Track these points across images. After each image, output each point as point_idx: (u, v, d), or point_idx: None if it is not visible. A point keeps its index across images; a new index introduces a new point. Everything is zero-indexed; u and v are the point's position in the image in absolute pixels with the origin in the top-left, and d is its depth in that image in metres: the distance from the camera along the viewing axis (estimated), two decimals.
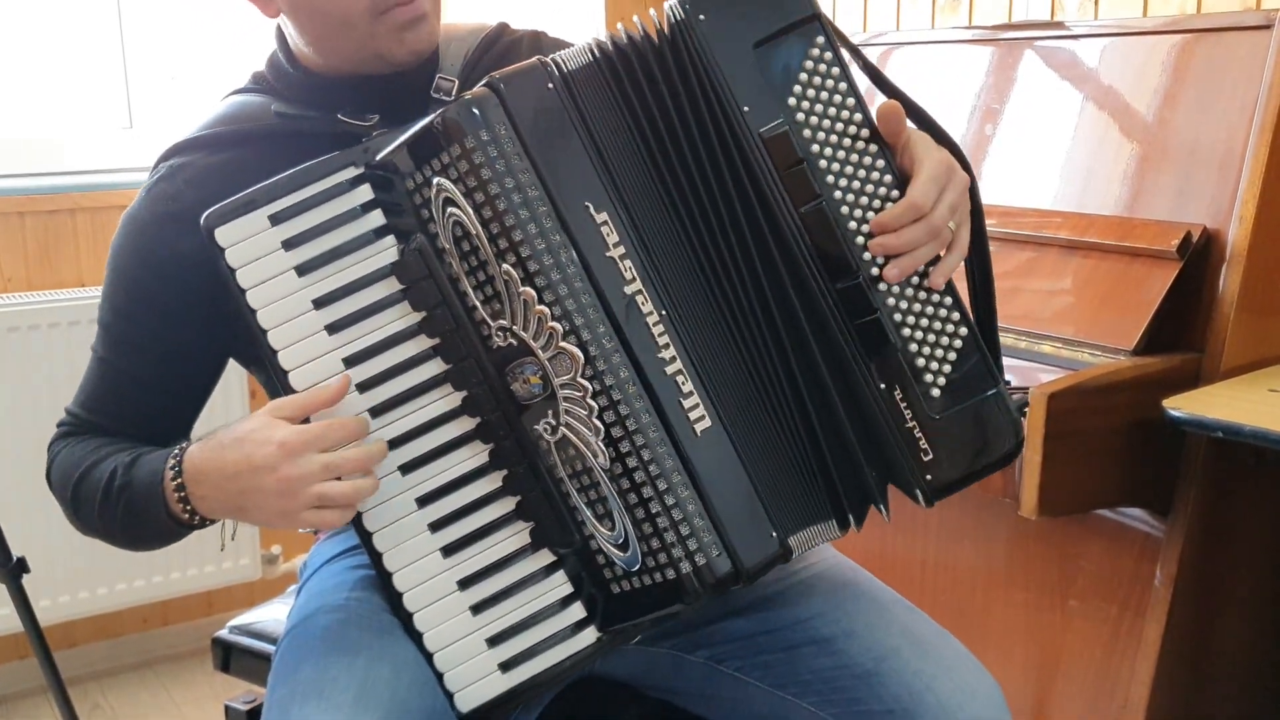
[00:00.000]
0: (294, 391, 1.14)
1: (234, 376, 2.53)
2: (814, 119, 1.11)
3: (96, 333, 1.30)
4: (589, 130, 1.10)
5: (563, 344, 1.08)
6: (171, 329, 1.26)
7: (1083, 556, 1.80)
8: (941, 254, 1.13)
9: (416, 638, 1.15)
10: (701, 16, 1.10)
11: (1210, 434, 1.51)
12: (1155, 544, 1.70)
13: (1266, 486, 1.74)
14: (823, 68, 1.11)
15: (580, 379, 1.08)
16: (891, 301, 1.12)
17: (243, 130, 1.29)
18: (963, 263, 1.18)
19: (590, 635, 1.16)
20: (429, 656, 1.15)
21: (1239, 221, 1.62)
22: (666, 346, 1.09)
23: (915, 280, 1.13)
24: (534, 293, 1.07)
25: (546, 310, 1.07)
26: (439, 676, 1.15)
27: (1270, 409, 1.49)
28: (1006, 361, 1.77)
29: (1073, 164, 1.85)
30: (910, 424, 1.12)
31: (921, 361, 1.12)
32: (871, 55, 2.24)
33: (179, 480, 1.15)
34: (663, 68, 1.12)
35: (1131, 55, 1.83)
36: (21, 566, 1.98)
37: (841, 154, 1.11)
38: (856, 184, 1.11)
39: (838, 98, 1.11)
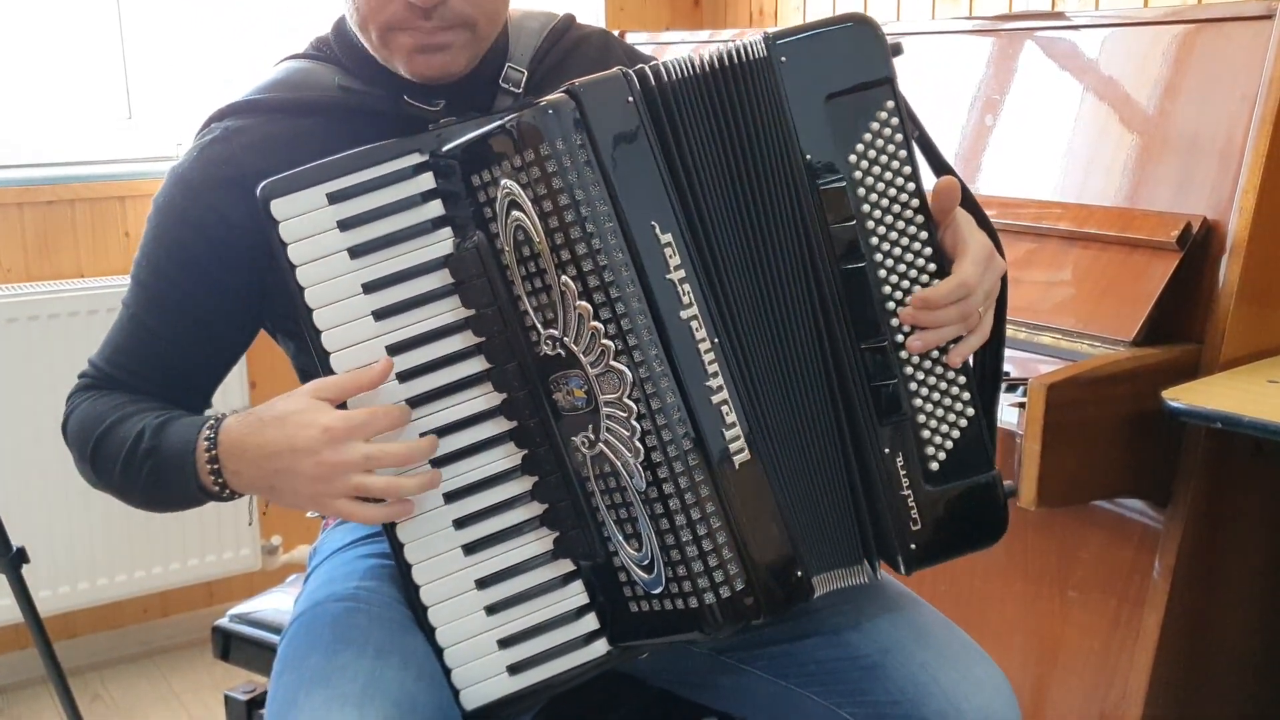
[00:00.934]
0: (333, 373, 1.13)
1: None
2: (870, 180, 1.12)
3: (130, 288, 1.28)
4: (664, 148, 1.08)
5: (613, 362, 1.07)
6: (210, 295, 1.25)
7: (1082, 547, 1.80)
8: (964, 334, 1.15)
9: (429, 631, 1.15)
10: (783, 59, 1.10)
11: (1209, 425, 1.51)
12: (1154, 535, 1.70)
13: (1265, 477, 1.74)
14: (887, 132, 1.11)
15: (626, 399, 1.07)
16: (909, 371, 1.14)
17: (304, 99, 1.27)
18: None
19: (601, 648, 1.16)
20: (439, 651, 1.15)
21: (1239, 212, 1.61)
22: (715, 375, 1.08)
23: (934, 354, 1.14)
24: (590, 308, 1.06)
25: (601, 326, 1.06)
26: (447, 672, 1.15)
27: (1269, 400, 1.49)
28: (1006, 352, 1.77)
29: (1073, 155, 1.85)
30: (905, 492, 1.14)
31: (926, 434, 1.15)
32: None
33: (214, 453, 1.14)
34: (735, 100, 1.11)
35: (1132, 45, 1.82)
36: (21, 557, 1.98)
37: (890, 219, 1.12)
38: (898, 251, 1.12)
39: (895, 164, 1.12)
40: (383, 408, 1.10)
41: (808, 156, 1.11)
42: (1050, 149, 1.89)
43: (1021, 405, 1.58)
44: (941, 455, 1.15)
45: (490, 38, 1.25)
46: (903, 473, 1.14)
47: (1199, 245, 1.64)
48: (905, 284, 1.13)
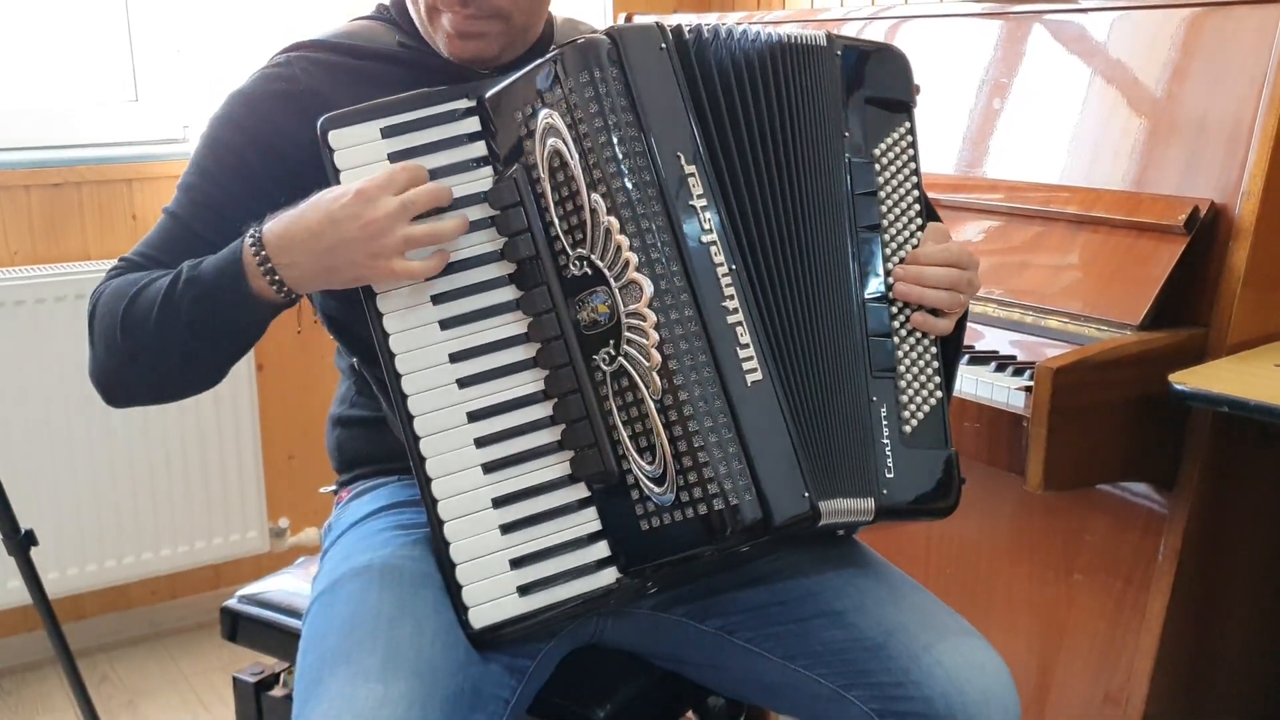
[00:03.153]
0: (377, 305, 1.19)
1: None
2: (888, 173, 1.29)
3: (174, 196, 1.31)
4: (692, 93, 1.18)
5: (636, 274, 1.13)
6: (253, 199, 1.27)
7: (1087, 531, 1.80)
8: (943, 311, 1.28)
9: (443, 547, 1.17)
10: (838, 53, 1.28)
11: (1216, 409, 1.51)
12: (1159, 518, 1.70)
13: (1271, 461, 1.74)
14: (904, 143, 1.31)
15: (647, 309, 1.13)
16: (897, 340, 1.27)
17: (364, 47, 1.35)
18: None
19: (610, 575, 1.18)
20: (451, 567, 1.17)
21: (1246, 196, 1.61)
22: (731, 298, 1.15)
23: (918, 335, 1.27)
24: (617, 222, 1.13)
25: (626, 240, 1.13)
26: (458, 589, 1.16)
27: (1276, 384, 1.49)
28: (1013, 336, 1.78)
29: (1081, 138, 1.85)
30: (885, 440, 1.24)
31: (904, 399, 1.26)
32: (880, 29, 2.24)
33: (263, 254, 1.17)
34: (791, 69, 1.24)
35: (1141, 29, 1.82)
36: (30, 539, 1.98)
37: (898, 210, 1.29)
38: (901, 238, 1.29)
39: (907, 170, 1.30)
40: (402, 165, 1.17)
41: (846, 134, 1.27)
42: (1058, 132, 1.88)
43: (1028, 389, 1.58)
44: (914, 422, 1.25)
45: (526, 30, 1.34)
46: (884, 423, 1.23)
47: (1206, 229, 1.64)
48: (899, 259, 1.28)
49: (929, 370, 1.27)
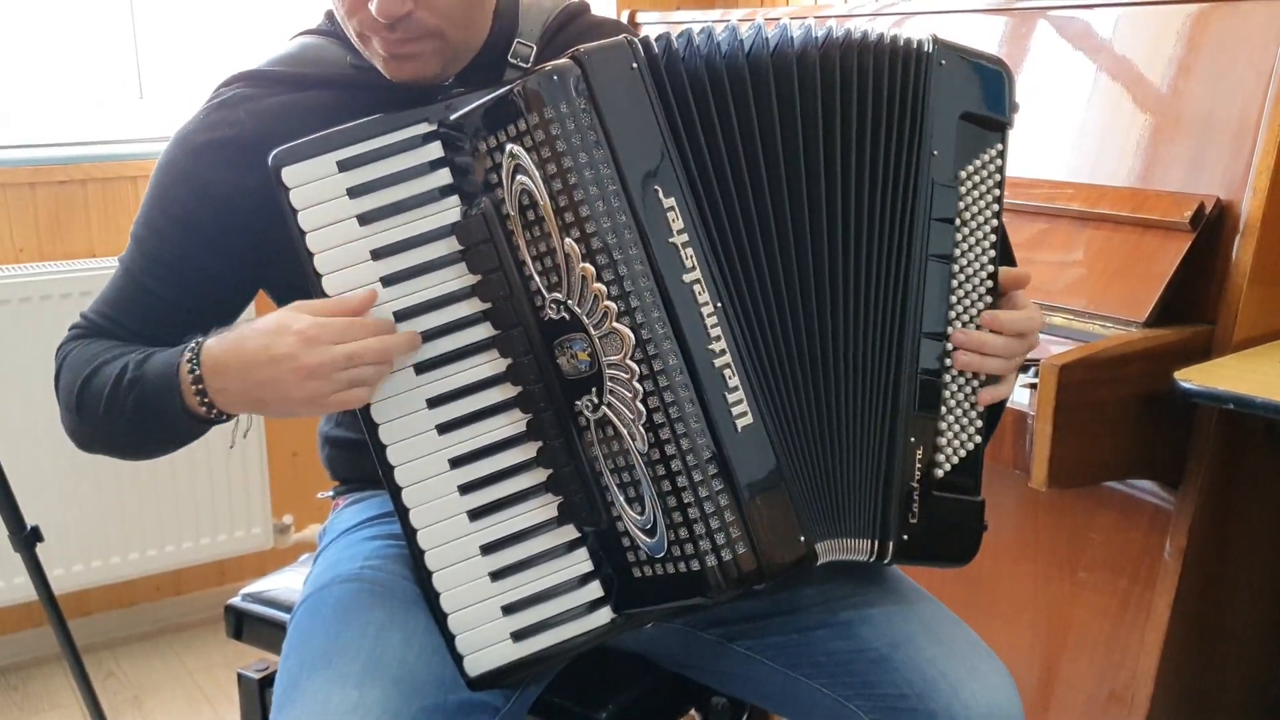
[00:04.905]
0: None
1: None
2: (969, 199, 1.21)
3: (128, 247, 1.29)
4: (667, 114, 1.10)
5: (616, 324, 1.08)
6: (205, 253, 1.25)
7: (1092, 528, 1.80)
8: (1002, 376, 1.23)
9: (433, 597, 1.15)
10: (943, 62, 1.20)
11: (1221, 406, 1.50)
12: (1165, 516, 1.70)
13: (1277, 458, 1.73)
14: (992, 166, 1.23)
15: (629, 360, 1.08)
16: (948, 378, 1.21)
17: (314, 74, 1.28)
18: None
19: (604, 615, 1.16)
20: (444, 618, 1.15)
21: (1253, 192, 1.61)
22: (718, 339, 1.09)
23: (969, 377, 1.22)
24: (593, 269, 1.07)
25: (604, 288, 1.07)
26: (451, 639, 1.15)
27: None
28: None
29: (1085, 135, 1.84)
30: (914, 484, 1.19)
31: (943, 441, 1.21)
32: (883, 26, 2.23)
33: (197, 373, 1.14)
34: (854, 80, 1.16)
35: (1146, 25, 1.81)
36: (35, 535, 1.99)
37: (973, 240, 1.22)
38: (970, 270, 1.22)
39: (989, 198, 1.22)
40: (360, 319, 1.10)
41: (935, 152, 1.18)
42: (1063, 129, 1.88)
43: (1033, 386, 1.58)
44: (948, 466, 1.21)
45: (466, 41, 1.25)
46: (918, 466, 1.18)
47: (1212, 226, 1.63)
48: (965, 301, 1.22)
49: (971, 414, 1.22)
